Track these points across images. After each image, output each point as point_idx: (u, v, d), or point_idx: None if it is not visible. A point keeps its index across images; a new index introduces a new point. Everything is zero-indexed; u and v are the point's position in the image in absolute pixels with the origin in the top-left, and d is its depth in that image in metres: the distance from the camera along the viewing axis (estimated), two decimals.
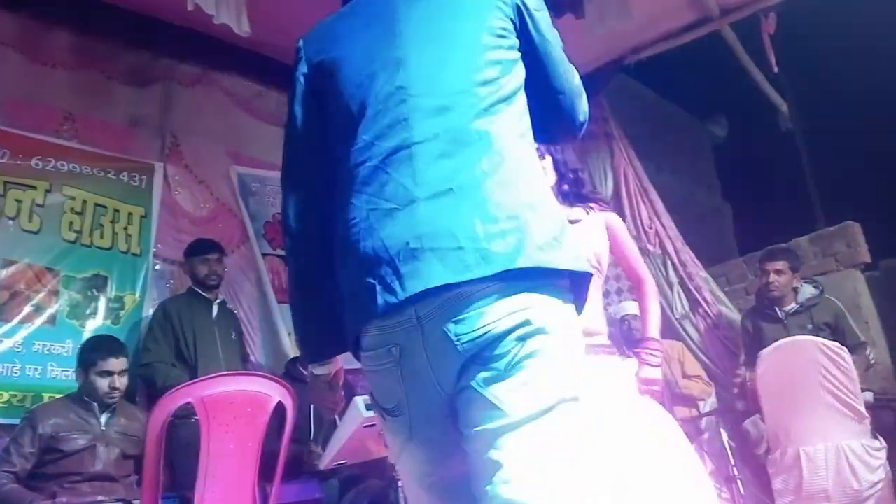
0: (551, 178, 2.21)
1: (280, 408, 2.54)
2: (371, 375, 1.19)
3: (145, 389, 3.42)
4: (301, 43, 1.36)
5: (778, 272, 3.85)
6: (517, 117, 1.22)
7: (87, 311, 3.57)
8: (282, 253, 4.20)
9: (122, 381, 2.87)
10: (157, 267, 3.93)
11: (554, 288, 1.11)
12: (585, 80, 1.41)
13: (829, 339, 3.26)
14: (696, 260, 4.82)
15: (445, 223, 1.09)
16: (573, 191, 2.27)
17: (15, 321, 3.33)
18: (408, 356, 1.11)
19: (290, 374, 3.55)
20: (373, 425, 2.44)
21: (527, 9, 1.28)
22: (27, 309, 3.38)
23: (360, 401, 2.48)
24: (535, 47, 1.29)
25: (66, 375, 3.28)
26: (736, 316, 4.51)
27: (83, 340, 3.18)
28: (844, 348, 3.07)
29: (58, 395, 3.04)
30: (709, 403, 4.33)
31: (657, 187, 5.07)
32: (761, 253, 4.21)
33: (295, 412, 2.58)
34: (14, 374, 3.26)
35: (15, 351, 3.29)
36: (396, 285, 1.08)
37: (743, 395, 3.78)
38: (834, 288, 4.28)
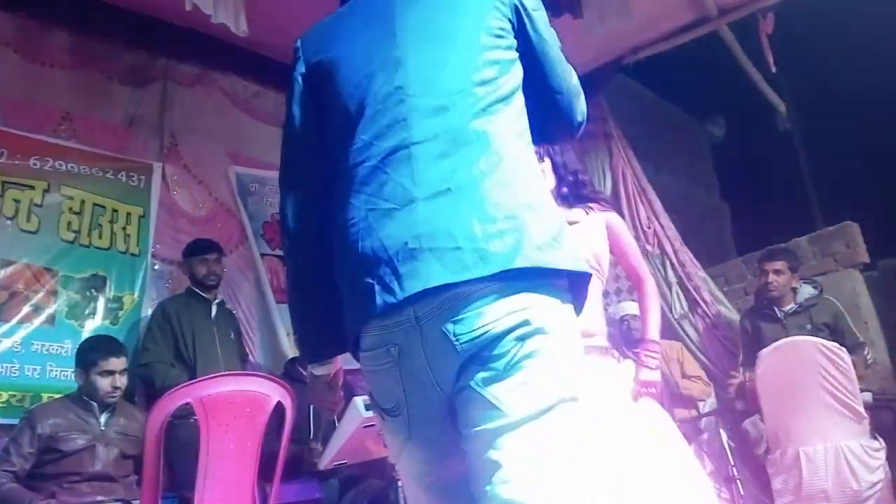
0: (550, 181, 2.18)
1: (279, 408, 2.54)
2: (370, 375, 1.19)
3: (144, 389, 3.42)
4: (299, 43, 1.36)
5: (777, 272, 3.84)
6: (515, 117, 1.22)
7: (86, 312, 3.57)
8: (280, 253, 4.18)
9: (122, 381, 2.87)
10: (156, 267, 3.93)
11: (552, 288, 1.11)
12: (584, 80, 1.42)
13: (828, 340, 3.27)
14: (694, 260, 4.82)
15: (444, 223, 1.09)
16: (573, 192, 2.25)
17: (14, 321, 3.32)
18: (407, 356, 1.11)
19: (289, 374, 3.55)
20: (372, 425, 2.43)
21: (525, 8, 1.28)
22: (26, 309, 3.37)
23: (359, 401, 2.48)
24: (532, 47, 1.29)
25: (64, 375, 3.28)
26: (735, 316, 4.51)
27: (81, 340, 3.17)
28: (843, 348, 3.07)
29: (57, 395, 3.04)
30: (708, 404, 4.33)
31: (656, 187, 5.07)
32: (760, 253, 4.21)
33: (294, 412, 2.58)
34: (13, 374, 3.25)
35: (14, 351, 3.28)
36: (395, 285, 1.08)
37: (738, 395, 3.78)
38: (833, 288, 4.28)
